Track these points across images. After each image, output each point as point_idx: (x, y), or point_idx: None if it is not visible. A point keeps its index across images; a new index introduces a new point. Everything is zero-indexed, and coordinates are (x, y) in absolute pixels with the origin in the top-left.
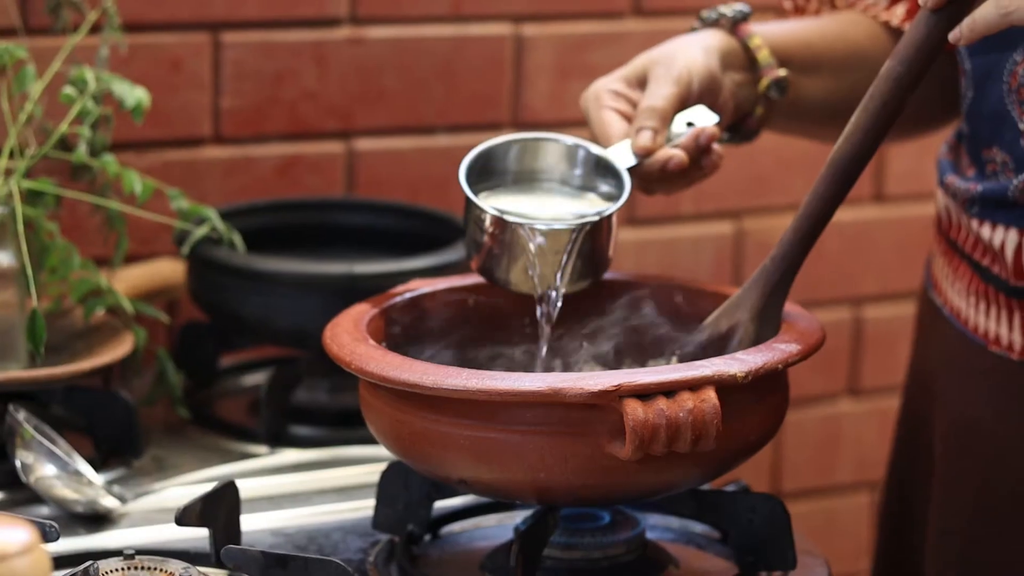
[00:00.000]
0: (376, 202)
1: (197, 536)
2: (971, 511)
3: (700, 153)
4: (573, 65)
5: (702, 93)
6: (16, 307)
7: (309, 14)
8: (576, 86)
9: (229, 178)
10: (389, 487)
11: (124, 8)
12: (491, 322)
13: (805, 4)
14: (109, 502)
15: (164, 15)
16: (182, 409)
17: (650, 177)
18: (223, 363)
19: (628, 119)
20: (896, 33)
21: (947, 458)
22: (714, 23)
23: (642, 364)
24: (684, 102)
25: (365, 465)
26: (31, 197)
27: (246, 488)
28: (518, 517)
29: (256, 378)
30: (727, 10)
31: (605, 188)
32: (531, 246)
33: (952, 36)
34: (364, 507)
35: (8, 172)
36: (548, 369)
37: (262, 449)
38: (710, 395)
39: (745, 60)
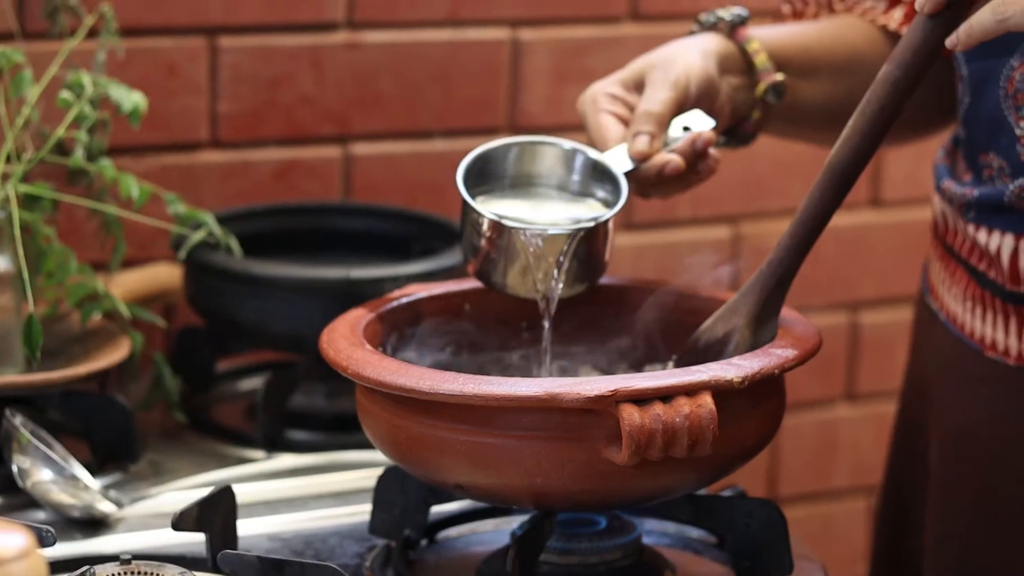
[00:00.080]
0: (373, 207)
1: (193, 541)
2: (969, 515)
3: (696, 158)
4: (570, 70)
5: (699, 97)
6: (13, 311)
7: (306, 19)
8: (573, 91)
9: (226, 182)
10: (386, 492)
11: (121, 12)
12: (487, 327)
13: (803, 8)
14: (105, 507)
15: (161, 19)
16: (179, 414)
17: (646, 181)
18: (220, 368)
19: (625, 123)
20: (894, 37)
21: (944, 463)
22: (712, 27)
23: (638, 369)
24: (681, 106)
25: (362, 470)
26: (28, 201)
27: (243, 493)
28: (515, 522)
29: (253, 383)
30: (725, 14)
31: (602, 192)
32: (528, 250)
33: (949, 42)
34: (361, 512)
35: (5, 176)
36: (545, 374)
37: (259, 454)
38: (707, 400)
39: (743, 64)
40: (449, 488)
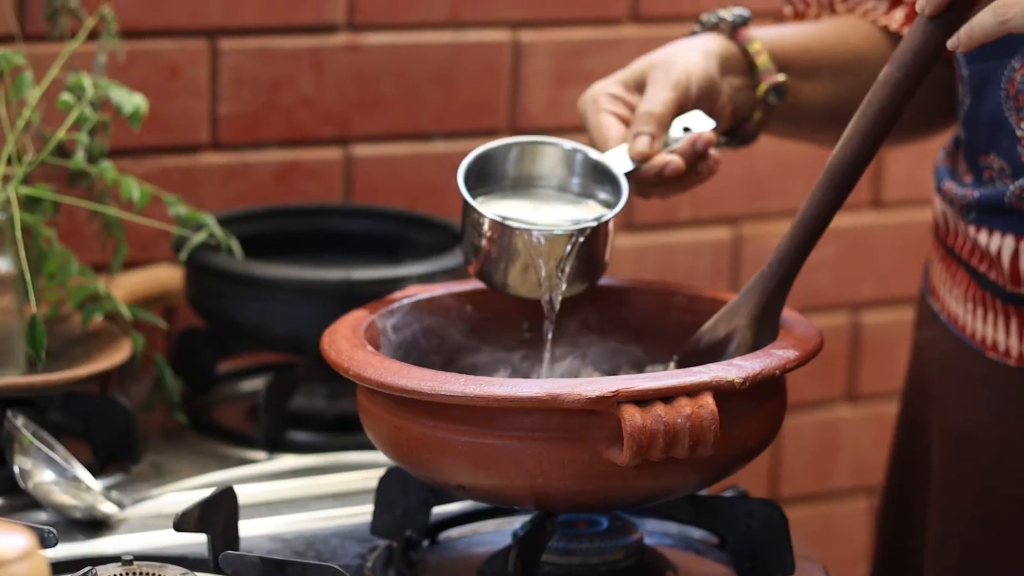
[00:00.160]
0: (373, 208)
1: (195, 542)
2: (970, 516)
3: (696, 158)
4: (571, 71)
5: (700, 97)
6: (14, 313)
7: (306, 20)
8: (574, 92)
9: (227, 184)
10: (387, 493)
11: (122, 15)
12: (488, 327)
13: (805, 9)
14: (107, 508)
15: (162, 21)
16: (180, 415)
17: (647, 182)
18: (221, 369)
19: (626, 123)
20: (895, 37)
21: (946, 463)
22: (714, 27)
23: (640, 370)
24: (682, 107)
25: (363, 471)
26: (29, 203)
27: (244, 494)
28: (516, 523)
29: (254, 384)
30: (727, 14)
31: (602, 192)
32: (529, 251)
33: (950, 43)
34: (362, 513)
35: (6, 178)
36: (546, 375)
37: (260, 455)
38: (708, 401)
39: (744, 65)
40: (450, 489)
